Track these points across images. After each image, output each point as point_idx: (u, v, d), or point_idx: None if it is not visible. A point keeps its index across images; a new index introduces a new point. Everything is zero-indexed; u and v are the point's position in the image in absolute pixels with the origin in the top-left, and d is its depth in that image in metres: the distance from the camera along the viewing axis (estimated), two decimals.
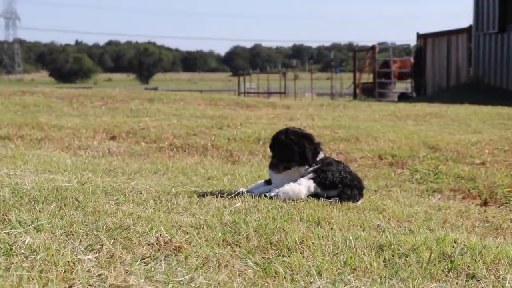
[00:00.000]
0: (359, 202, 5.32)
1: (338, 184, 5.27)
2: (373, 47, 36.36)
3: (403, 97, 32.64)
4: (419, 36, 33.91)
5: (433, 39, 33.16)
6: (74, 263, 3.09)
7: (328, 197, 5.22)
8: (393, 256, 3.65)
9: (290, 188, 5.18)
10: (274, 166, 5.42)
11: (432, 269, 3.45)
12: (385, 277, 3.31)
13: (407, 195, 6.45)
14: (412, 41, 39.75)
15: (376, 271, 3.38)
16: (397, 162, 8.53)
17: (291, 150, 5.34)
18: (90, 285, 2.87)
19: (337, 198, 5.21)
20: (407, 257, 3.63)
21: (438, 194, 6.78)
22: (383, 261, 3.55)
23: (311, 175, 5.30)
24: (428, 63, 33.19)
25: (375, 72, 35.09)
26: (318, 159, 5.43)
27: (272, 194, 5.13)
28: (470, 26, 30.41)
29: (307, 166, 5.37)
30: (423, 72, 33.36)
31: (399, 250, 3.73)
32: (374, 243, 3.83)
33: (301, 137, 5.42)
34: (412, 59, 34.53)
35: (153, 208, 4.47)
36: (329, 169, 5.31)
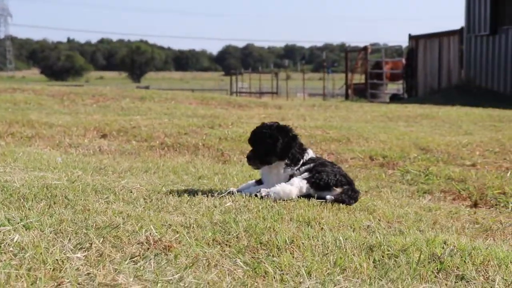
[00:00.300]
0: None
1: (332, 186, 5.25)
2: (365, 48, 36.40)
3: (395, 98, 32.70)
4: (411, 38, 33.97)
5: (425, 41, 33.22)
6: (62, 261, 3.08)
7: (319, 198, 5.20)
8: (383, 256, 3.65)
9: (281, 188, 5.17)
10: (250, 159, 5.42)
11: (421, 270, 3.45)
12: (374, 277, 3.31)
13: (398, 196, 6.46)
14: (404, 42, 39.87)
15: (365, 271, 3.38)
16: (388, 163, 8.55)
17: (265, 143, 5.32)
18: (78, 284, 2.86)
19: (332, 198, 5.18)
20: (397, 258, 3.63)
21: (428, 195, 6.79)
22: (373, 262, 3.55)
23: (305, 174, 5.28)
24: (420, 65, 33.25)
25: (367, 73, 35.14)
26: (307, 158, 5.41)
27: (263, 194, 5.12)
28: (462, 28, 30.48)
29: (287, 161, 5.33)
30: (414, 73, 33.42)
31: (389, 251, 3.73)
32: (364, 243, 3.83)
33: (274, 130, 5.37)
34: (404, 60, 34.58)
35: (143, 207, 4.45)
36: (324, 170, 5.29)
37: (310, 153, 5.48)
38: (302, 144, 5.51)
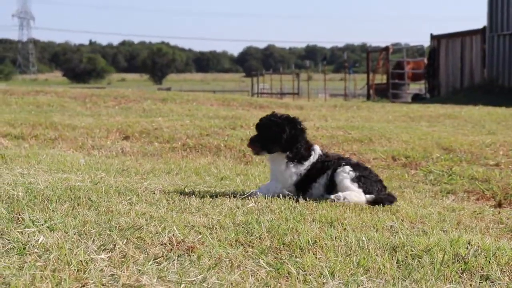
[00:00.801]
0: None
1: (372, 193, 5.30)
2: (386, 48, 36.29)
3: (417, 98, 32.54)
4: (433, 37, 33.80)
5: (446, 40, 33.04)
6: (87, 262, 3.10)
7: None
8: (406, 257, 3.63)
9: (354, 195, 5.18)
10: (252, 142, 5.30)
11: (445, 270, 3.43)
12: (398, 278, 3.29)
13: (421, 196, 6.42)
14: (426, 42, 39.69)
15: (389, 272, 3.36)
16: (411, 163, 8.50)
17: (271, 131, 5.21)
18: (103, 285, 2.87)
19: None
20: (421, 258, 3.61)
21: (452, 195, 6.74)
22: (396, 262, 3.54)
23: (353, 175, 5.25)
24: (442, 64, 33.07)
25: (388, 73, 35.02)
26: (320, 153, 5.33)
27: (332, 197, 5.16)
28: (484, 27, 30.29)
29: (289, 155, 5.23)
30: (436, 73, 33.24)
31: (412, 251, 3.71)
32: (387, 244, 3.82)
33: (284, 120, 5.26)
34: (425, 60, 34.41)
35: (166, 208, 4.47)
36: (371, 177, 5.30)
37: (317, 150, 5.37)
38: (308, 141, 5.39)
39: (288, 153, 5.26)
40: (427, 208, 5.43)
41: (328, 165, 5.35)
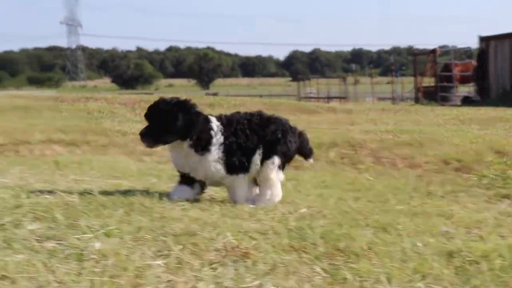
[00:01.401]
0: None
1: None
2: (434, 51, 35.94)
3: (467, 101, 32.16)
4: (482, 39, 33.38)
5: (496, 42, 32.59)
6: (143, 268, 3.11)
7: None
8: (463, 263, 3.57)
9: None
10: (143, 136, 4.88)
11: (505, 276, 3.36)
12: (456, 284, 3.24)
13: (475, 200, 6.32)
14: (473, 44, 39.19)
15: (447, 278, 3.31)
16: (463, 167, 8.39)
17: (162, 121, 4.80)
18: None
19: None
20: (478, 264, 3.55)
21: (507, 199, 6.62)
22: (454, 268, 3.48)
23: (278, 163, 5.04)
24: (491, 66, 32.63)
25: (436, 75, 34.68)
26: (219, 127, 4.97)
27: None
28: None
29: (190, 142, 4.83)
30: (486, 75, 32.80)
31: (469, 257, 3.65)
32: (443, 249, 3.76)
33: (174, 106, 4.83)
34: (473, 62, 34.01)
35: (219, 214, 4.47)
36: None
37: (214, 125, 4.94)
38: (205, 119, 4.96)
39: (188, 140, 4.85)
40: (482, 213, 5.34)
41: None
